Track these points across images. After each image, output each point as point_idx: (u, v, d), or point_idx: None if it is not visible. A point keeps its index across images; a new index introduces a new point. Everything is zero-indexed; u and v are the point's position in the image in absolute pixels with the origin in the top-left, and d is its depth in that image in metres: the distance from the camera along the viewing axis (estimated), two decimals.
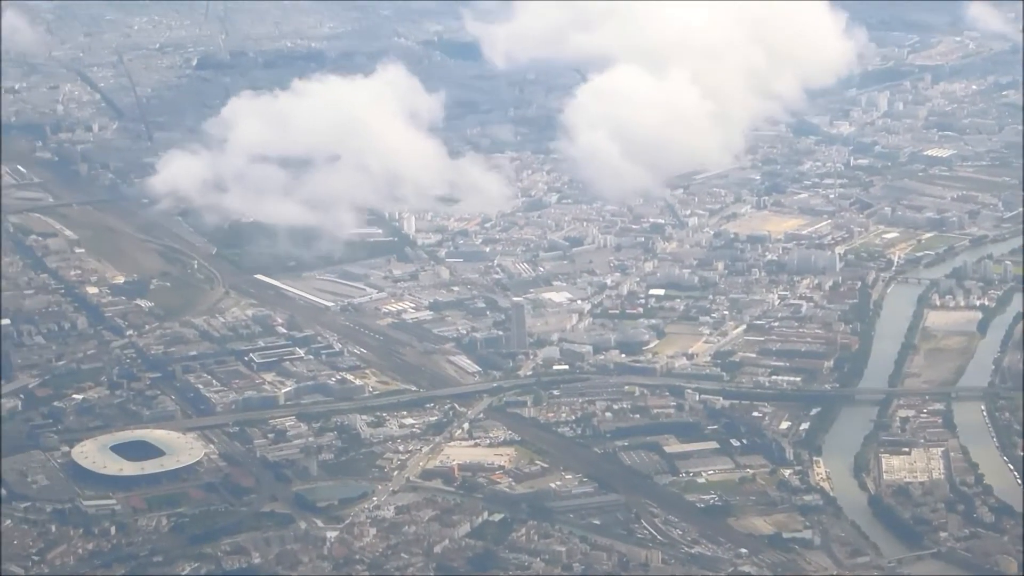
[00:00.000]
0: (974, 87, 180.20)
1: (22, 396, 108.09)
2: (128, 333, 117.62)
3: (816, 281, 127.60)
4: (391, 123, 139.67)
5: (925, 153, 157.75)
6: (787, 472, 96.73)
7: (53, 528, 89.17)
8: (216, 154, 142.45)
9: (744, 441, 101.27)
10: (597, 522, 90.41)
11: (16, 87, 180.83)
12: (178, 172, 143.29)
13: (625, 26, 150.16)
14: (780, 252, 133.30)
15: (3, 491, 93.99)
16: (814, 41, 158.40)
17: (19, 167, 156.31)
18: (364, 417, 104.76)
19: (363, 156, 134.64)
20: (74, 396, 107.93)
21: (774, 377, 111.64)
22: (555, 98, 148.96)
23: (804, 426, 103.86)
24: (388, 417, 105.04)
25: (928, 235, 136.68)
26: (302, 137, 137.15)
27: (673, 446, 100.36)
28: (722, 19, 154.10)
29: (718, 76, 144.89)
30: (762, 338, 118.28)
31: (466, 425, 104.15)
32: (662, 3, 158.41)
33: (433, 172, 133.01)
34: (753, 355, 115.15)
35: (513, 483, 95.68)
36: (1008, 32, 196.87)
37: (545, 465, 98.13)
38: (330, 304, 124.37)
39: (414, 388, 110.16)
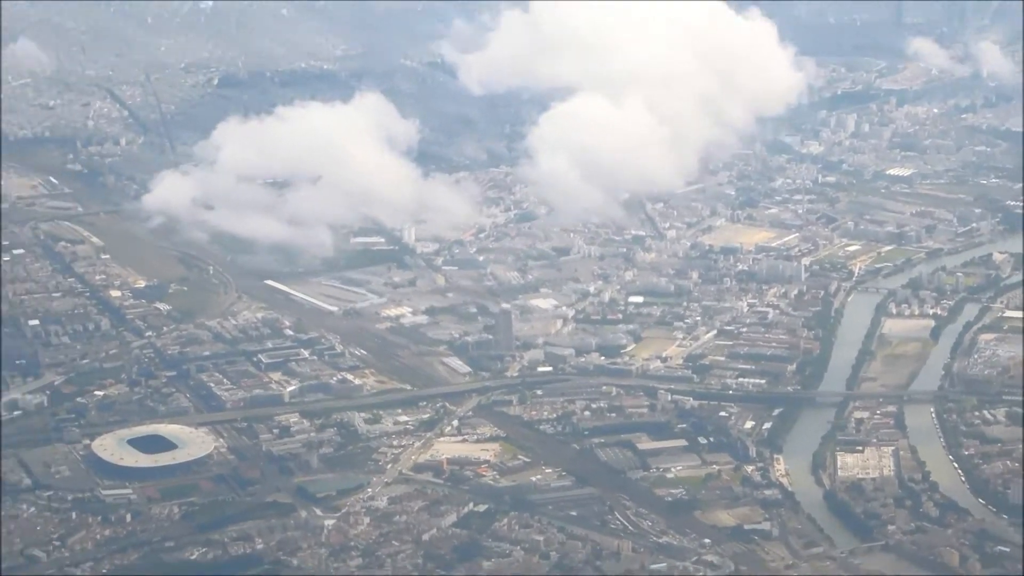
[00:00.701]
0: (935, 110, 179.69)
1: (48, 392, 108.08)
2: (147, 334, 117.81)
3: (783, 290, 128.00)
4: (370, 146, 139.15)
5: (888, 172, 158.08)
6: (750, 468, 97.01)
7: (74, 515, 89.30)
8: (208, 174, 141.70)
9: (711, 439, 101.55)
10: (574, 513, 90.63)
11: (51, 104, 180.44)
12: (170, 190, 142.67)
13: (587, 56, 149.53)
14: (750, 263, 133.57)
15: (28, 480, 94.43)
16: (764, 71, 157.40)
17: (51, 178, 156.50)
18: (362, 414, 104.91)
19: (342, 177, 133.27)
20: (96, 393, 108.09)
21: (740, 379, 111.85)
22: (522, 123, 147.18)
23: (767, 426, 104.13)
24: (384, 414, 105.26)
25: (888, 248, 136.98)
26: (289, 158, 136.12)
27: (645, 443, 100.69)
28: (678, 51, 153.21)
29: (673, 104, 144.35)
30: (731, 343, 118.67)
31: (455, 422, 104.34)
32: (623, 34, 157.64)
33: (404, 192, 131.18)
34: (722, 359, 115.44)
35: (497, 476, 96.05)
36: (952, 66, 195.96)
37: (527, 460, 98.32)
38: (334, 308, 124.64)
39: (408, 387, 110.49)
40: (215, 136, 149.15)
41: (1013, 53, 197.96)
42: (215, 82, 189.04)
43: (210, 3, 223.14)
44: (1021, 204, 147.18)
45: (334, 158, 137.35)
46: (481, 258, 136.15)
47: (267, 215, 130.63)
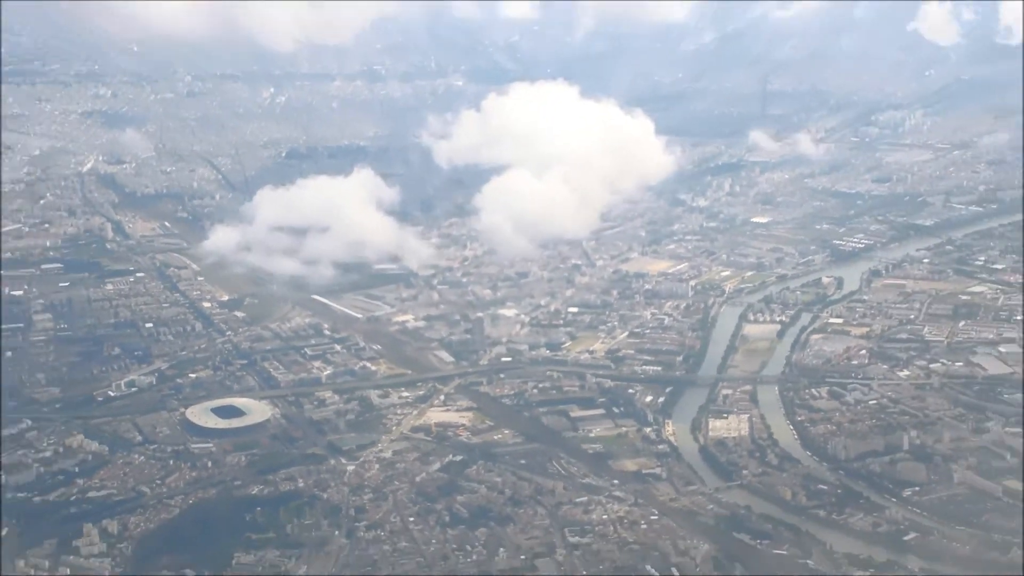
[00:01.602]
0: (786, 176, 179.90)
1: (156, 375, 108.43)
2: (227, 333, 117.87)
3: (676, 304, 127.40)
4: (363, 206, 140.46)
5: (752, 219, 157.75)
6: (648, 430, 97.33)
7: (171, 462, 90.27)
8: (248, 225, 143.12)
9: (622, 409, 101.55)
10: (523, 462, 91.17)
11: (168, 169, 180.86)
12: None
13: (520, 143, 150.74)
14: (654, 284, 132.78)
15: (140, 437, 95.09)
16: (645, 154, 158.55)
17: (166, 223, 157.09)
18: (376, 391, 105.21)
19: (343, 227, 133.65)
20: (190, 375, 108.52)
21: (644, 367, 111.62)
22: (473, 190, 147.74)
23: (661, 399, 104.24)
24: (391, 391, 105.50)
25: (750, 273, 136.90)
26: (306, 214, 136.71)
27: (575, 412, 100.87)
28: (585, 140, 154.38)
29: (582, 177, 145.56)
30: (638, 341, 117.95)
31: (442, 397, 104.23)
32: (545, 128, 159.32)
33: (385, 238, 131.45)
34: (632, 352, 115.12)
35: (470, 435, 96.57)
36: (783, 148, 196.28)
37: (492, 424, 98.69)
38: (359, 316, 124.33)
39: (409, 372, 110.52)
40: (256, 199, 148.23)
41: (826, 140, 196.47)
42: (283, 154, 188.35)
43: (283, 98, 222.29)
44: (845, 242, 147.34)
45: (337, 215, 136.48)
46: (464, 280, 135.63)
47: (288, 255, 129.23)
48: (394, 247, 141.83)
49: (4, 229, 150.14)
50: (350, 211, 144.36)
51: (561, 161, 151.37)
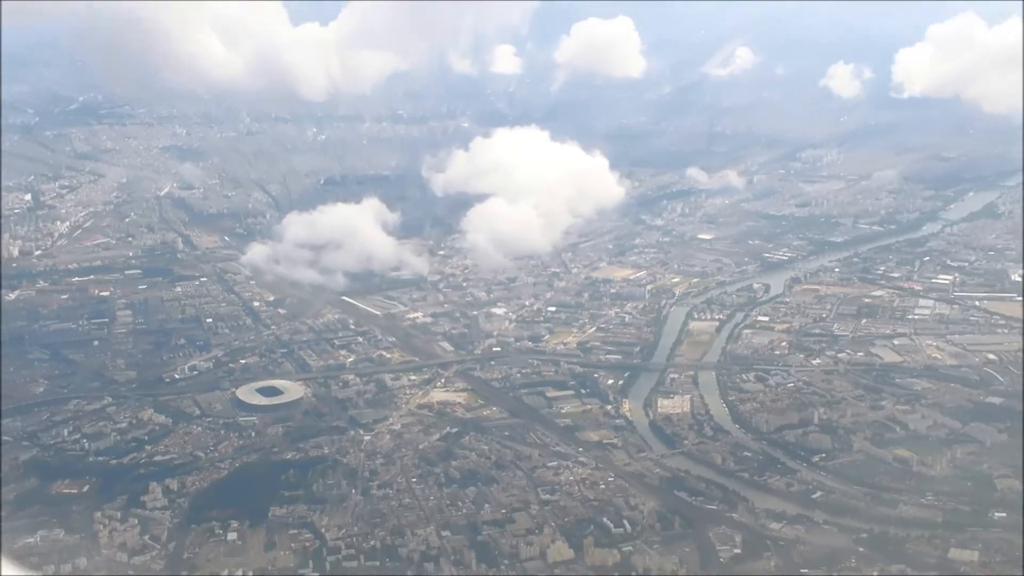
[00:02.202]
0: (727, 201, 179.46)
1: (213, 361, 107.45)
2: (271, 327, 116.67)
3: (636, 304, 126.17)
4: (371, 227, 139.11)
5: (698, 236, 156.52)
6: (608, 407, 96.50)
7: (222, 432, 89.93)
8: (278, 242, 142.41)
9: (588, 390, 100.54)
10: (507, 434, 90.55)
11: (229, 194, 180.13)
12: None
13: (499, 176, 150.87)
14: (618, 288, 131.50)
15: (198, 411, 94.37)
16: (599, 184, 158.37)
17: (226, 237, 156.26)
18: (389, 375, 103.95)
19: (354, 244, 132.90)
20: (240, 361, 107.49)
21: (607, 356, 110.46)
22: (460, 214, 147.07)
23: (620, 382, 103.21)
24: (402, 375, 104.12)
25: (695, 280, 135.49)
26: (324, 233, 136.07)
27: (551, 393, 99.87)
28: (552, 173, 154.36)
29: (548, 204, 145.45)
30: (603, 335, 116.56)
31: (443, 380, 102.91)
32: (520, 163, 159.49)
33: (388, 253, 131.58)
34: (598, 344, 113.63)
35: (465, 412, 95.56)
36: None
37: (483, 403, 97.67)
38: (378, 313, 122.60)
39: (417, 359, 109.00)
40: (284, 221, 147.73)
41: (759, 173, 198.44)
42: (321, 181, 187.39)
43: (323, 136, 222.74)
44: (772, 255, 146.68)
45: (350, 234, 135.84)
46: (464, 284, 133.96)
47: (308, 267, 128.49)
48: (403, 258, 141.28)
49: (96, 242, 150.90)
50: (365, 230, 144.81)
51: (532, 191, 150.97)
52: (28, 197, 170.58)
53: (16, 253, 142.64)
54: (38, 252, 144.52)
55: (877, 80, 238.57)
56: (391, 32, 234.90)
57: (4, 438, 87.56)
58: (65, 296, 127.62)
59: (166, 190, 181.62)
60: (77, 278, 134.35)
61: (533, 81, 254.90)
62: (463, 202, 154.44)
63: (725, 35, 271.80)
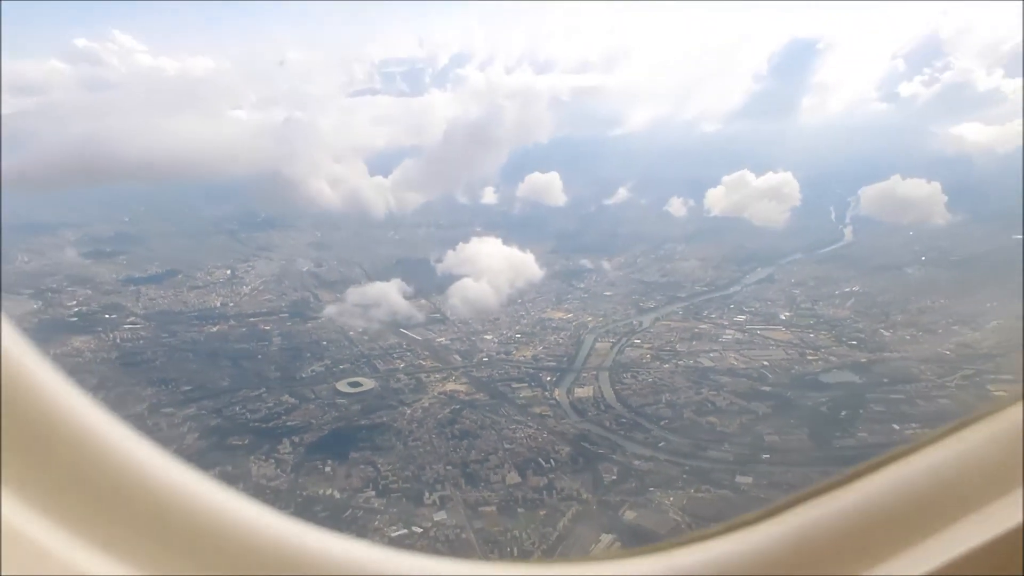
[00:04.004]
0: (621, 273, 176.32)
1: (324, 367, 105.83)
2: (359, 347, 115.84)
3: (566, 333, 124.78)
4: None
5: (604, 293, 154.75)
6: (547, 393, 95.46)
7: (326, 408, 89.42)
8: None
9: (535, 383, 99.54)
10: (487, 409, 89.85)
11: (341, 270, 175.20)
12: None
13: (473, 264, 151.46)
14: (557, 323, 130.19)
15: (297, 400, 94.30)
16: (528, 270, 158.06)
17: (337, 295, 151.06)
18: (423, 374, 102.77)
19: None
20: (340, 367, 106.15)
21: (548, 363, 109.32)
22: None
23: (553, 379, 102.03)
24: (431, 374, 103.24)
25: (602, 318, 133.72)
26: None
27: (514, 385, 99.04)
28: (502, 261, 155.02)
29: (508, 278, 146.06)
30: (547, 351, 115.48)
31: (454, 377, 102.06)
32: (488, 253, 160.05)
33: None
34: (543, 356, 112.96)
35: (464, 396, 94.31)
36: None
37: (475, 390, 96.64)
38: (419, 338, 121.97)
39: (440, 365, 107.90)
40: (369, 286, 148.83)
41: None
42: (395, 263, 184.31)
43: (397, 236, 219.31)
44: (645, 305, 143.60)
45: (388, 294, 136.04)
46: (469, 322, 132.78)
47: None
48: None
49: (264, 298, 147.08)
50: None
51: (497, 272, 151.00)
52: (228, 272, 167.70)
53: (218, 304, 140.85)
54: (230, 303, 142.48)
55: (696, 206, 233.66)
56: (425, 178, 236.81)
57: (199, 412, 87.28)
58: (243, 329, 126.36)
59: (307, 268, 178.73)
60: (251, 319, 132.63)
61: (506, 208, 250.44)
62: (453, 278, 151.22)
63: (617, 178, 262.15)
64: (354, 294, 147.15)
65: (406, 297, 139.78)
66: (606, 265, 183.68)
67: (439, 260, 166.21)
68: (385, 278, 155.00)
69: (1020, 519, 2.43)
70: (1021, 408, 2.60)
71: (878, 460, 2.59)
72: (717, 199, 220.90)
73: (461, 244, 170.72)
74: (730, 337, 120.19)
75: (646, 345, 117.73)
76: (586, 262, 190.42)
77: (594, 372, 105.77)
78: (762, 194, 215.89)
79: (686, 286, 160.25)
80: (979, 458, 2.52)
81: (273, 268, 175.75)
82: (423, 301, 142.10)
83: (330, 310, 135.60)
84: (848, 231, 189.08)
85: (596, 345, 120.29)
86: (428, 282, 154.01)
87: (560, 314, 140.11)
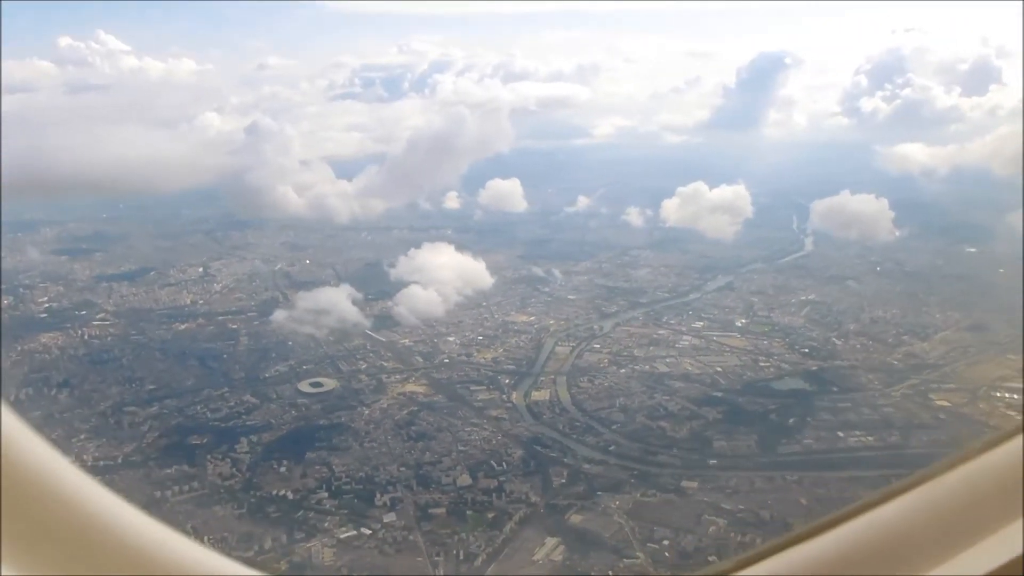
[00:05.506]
0: (585, 279, 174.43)
1: (287, 367, 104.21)
2: (323, 347, 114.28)
3: (527, 336, 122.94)
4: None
5: (568, 297, 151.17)
6: (504, 396, 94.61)
7: (286, 408, 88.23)
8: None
9: (493, 385, 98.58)
10: (445, 411, 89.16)
11: (313, 270, 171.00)
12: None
13: (426, 272, 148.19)
14: (519, 326, 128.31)
15: (258, 400, 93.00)
16: (480, 277, 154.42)
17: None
18: (385, 375, 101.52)
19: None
20: (303, 367, 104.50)
21: (507, 365, 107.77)
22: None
23: (511, 381, 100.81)
24: (392, 375, 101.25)
25: (563, 322, 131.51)
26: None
27: (473, 387, 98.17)
28: (468, 267, 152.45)
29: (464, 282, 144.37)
30: (507, 354, 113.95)
31: (413, 378, 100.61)
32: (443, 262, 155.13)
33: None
34: (503, 359, 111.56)
35: (423, 397, 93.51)
36: None
37: (434, 392, 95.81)
38: (383, 339, 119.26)
39: (402, 367, 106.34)
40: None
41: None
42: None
43: (369, 237, 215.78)
44: (607, 309, 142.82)
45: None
46: (433, 324, 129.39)
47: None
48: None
49: (234, 296, 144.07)
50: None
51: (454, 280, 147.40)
52: (201, 270, 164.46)
53: (189, 302, 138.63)
54: (200, 301, 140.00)
55: (654, 216, 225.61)
56: (389, 184, 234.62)
57: (161, 411, 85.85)
58: (212, 328, 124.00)
59: (279, 267, 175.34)
60: (220, 317, 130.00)
61: (468, 213, 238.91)
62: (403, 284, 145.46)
63: (579, 187, 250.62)
64: (304, 299, 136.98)
65: (355, 303, 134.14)
66: (569, 271, 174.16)
67: (392, 265, 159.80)
68: (353, 281, 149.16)
69: (1021, 550, 2.40)
70: (1021, 440, 2.56)
71: (880, 495, 2.54)
72: (672, 210, 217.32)
73: (413, 250, 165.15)
74: (687, 343, 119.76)
75: (605, 350, 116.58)
76: (551, 268, 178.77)
77: (552, 376, 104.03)
78: (715, 206, 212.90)
79: (648, 292, 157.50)
80: (980, 490, 2.49)
81: (245, 267, 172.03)
82: (375, 305, 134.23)
83: (279, 315, 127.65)
84: (809, 241, 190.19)
85: (556, 349, 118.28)
86: (380, 287, 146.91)
87: (523, 317, 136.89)
